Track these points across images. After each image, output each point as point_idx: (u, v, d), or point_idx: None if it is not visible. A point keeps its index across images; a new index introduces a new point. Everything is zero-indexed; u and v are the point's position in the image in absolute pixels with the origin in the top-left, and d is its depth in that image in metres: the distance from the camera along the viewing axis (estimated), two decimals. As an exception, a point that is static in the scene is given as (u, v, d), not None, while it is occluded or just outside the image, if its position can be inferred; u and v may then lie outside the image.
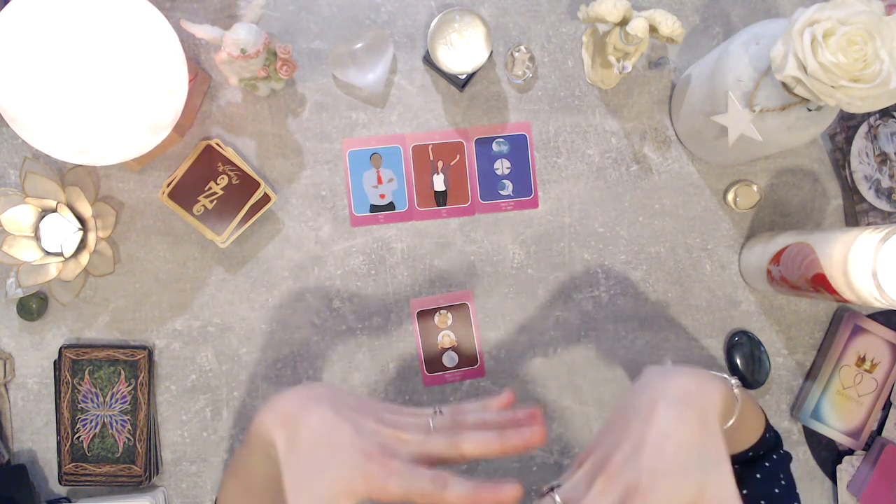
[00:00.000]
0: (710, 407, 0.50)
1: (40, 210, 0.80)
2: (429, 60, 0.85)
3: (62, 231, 0.79)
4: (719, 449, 0.48)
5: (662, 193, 0.88)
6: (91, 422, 0.82)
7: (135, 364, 0.82)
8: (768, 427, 0.65)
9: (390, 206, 0.86)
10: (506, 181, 0.87)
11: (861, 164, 0.85)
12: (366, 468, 0.45)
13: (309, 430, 0.47)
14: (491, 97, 0.87)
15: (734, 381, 0.56)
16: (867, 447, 0.86)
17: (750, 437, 0.62)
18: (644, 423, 0.48)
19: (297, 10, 0.85)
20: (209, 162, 0.81)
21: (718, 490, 0.46)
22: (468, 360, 0.86)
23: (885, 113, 0.85)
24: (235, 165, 0.81)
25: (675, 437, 0.47)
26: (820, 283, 0.71)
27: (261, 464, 0.52)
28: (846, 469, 0.86)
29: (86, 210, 0.80)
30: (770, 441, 0.65)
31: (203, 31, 0.75)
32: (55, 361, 0.82)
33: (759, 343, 0.87)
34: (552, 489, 0.48)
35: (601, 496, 0.45)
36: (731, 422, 0.55)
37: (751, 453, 0.63)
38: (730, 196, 0.87)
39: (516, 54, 0.84)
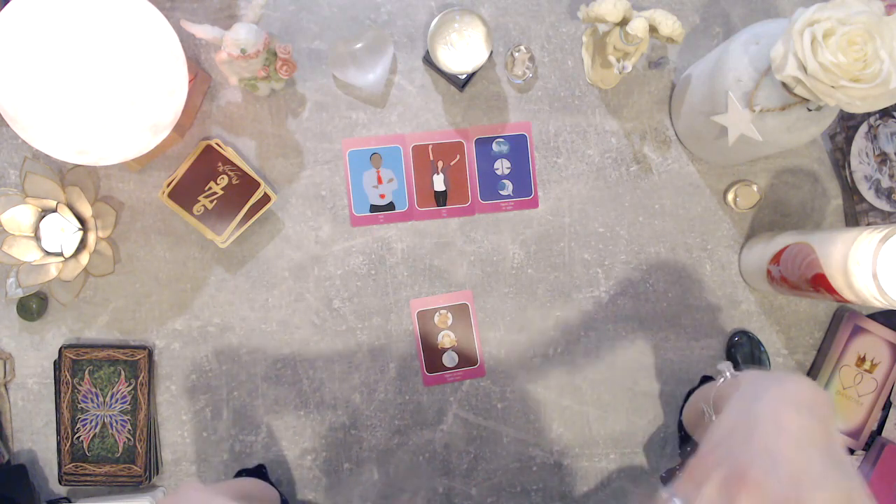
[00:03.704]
0: (830, 417, 0.47)
1: (40, 210, 0.80)
2: (429, 60, 0.84)
3: (62, 231, 0.79)
4: (849, 458, 0.45)
5: (662, 193, 0.88)
6: (91, 422, 0.82)
7: (135, 364, 0.82)
8: None
9: (390, 206, 0.86)
10: (506, 181, 0.87)
11: (861, 164, 0.85)
12: None
13: None
14: (491, 97, 0.86)
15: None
16: (867, 447, 0.86)
17: None
18: (775, 432, 0.44)
19: (297, 10, 0.85)
20: (209, 162, 0.81)
21: (863, 497, 0.42)
22: (468, 360, 0.86)
23: (885, 113, 0.85)
24: (235, 165, 0.81)
25: (811, 447, 0.43)
26: (820, 283, 0.71)
27: None
28: (846, 469, 0.86)
29: (86, 210, 0.80)
30: None
31: (203, 31, 0.75)
32: (55, 361, 0.82)
33: (759, 343, 0.87)
34: None
35: None
36: None
37: None
38: (730, 196, 0.87)
39: (516, 54, 0.84)
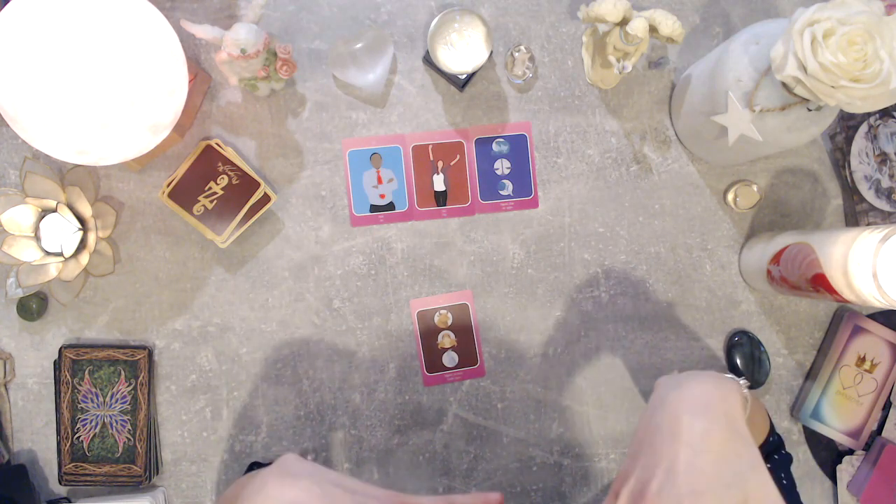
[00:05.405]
0: (733, 410, 0.48)
1: (40, 210, 0.80)
2: (429, 60, 0.84)
3: (62, 231, 0.79)
4: (753, 452, 0.47)
5: (662, 193, 0.88)
6: (91, 422, 0.82)
7: (135, 364, 0.82)
8: (772, 430, 0.65)
9: (390, 206, 0.86)
10: (506, 181, 0.87)
11: (861, 164, 0.85)
12: None
13: None
14: (491, 97, 0.86)
15: (742, 381, 0.56)
16: (867, 447, 0.86)
17: (756, 438, 0.62)
18: (671, 441, 0.47)
19: (297, 10, 0.85)
20: (209, 162, 0.81)
21: (762, 493, 0.44)
22: (468, 360, 0.86)
23: (885, 113, 0.85)
24: (235, 165, 0.81)
25: (707, 451, 0.45)
26: (820, 283, 0.71)
27: None
28: (846, 469, 0.86)
29: (86, 210, 0.80)
30: (773, 444, 0.65)
31: (203, 31, 0.75)
32: (55, 361, 0.82)
33: (759, 343, 0.87)
34: None
35: None
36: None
37: None
38: (730, 196, 0.87)
39: (516, 54, 0.84)
